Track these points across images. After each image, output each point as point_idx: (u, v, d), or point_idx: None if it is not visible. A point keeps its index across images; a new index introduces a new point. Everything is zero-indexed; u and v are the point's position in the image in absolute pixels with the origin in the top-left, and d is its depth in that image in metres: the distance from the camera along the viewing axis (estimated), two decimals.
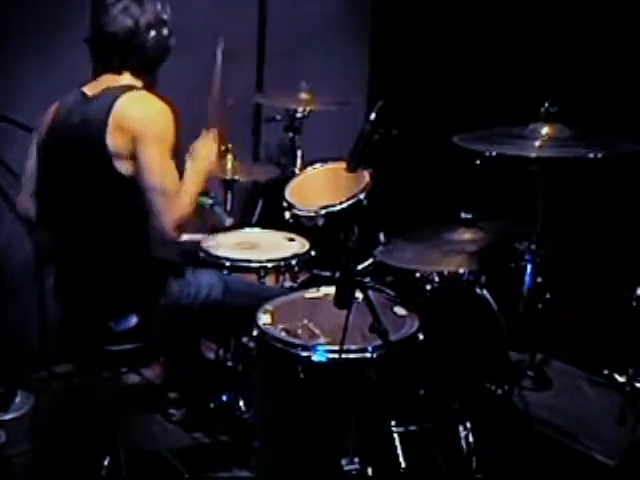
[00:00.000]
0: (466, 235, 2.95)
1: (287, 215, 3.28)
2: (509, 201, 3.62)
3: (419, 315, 2.66)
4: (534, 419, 3.13)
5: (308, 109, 3.82)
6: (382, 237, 3.16)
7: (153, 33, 2.61)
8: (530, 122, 3.01)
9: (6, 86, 3.44)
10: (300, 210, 3.24)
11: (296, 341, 2.57)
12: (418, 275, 2.97)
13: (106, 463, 2.86)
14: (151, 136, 2.52)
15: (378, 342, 2.42)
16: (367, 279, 2.84)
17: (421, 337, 2.58)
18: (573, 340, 3.48)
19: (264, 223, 3.54)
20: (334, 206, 3.16)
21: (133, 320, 2.65)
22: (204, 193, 3.02)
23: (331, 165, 3.47)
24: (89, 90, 2.65)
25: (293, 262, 3.19)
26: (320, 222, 3.19)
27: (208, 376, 3.28)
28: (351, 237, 2.51)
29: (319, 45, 4.34)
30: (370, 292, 2.42)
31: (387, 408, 2.54)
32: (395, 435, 2.51)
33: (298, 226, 3.29)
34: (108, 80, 2.64)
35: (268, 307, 2.73)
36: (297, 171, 3.74)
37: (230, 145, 3.44)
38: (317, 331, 2.64)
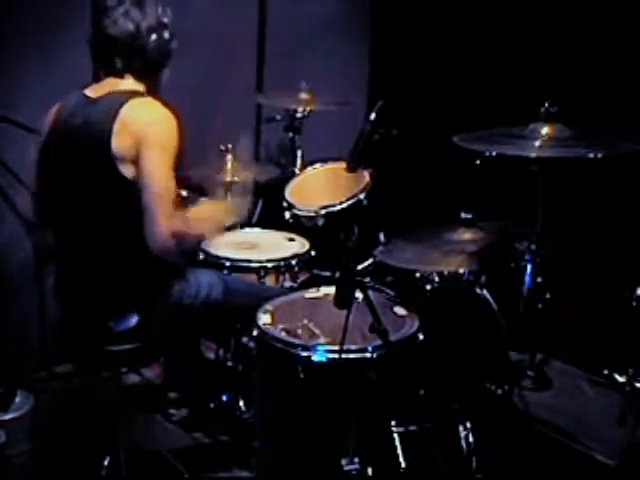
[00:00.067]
0: (466, 235, 2.95)
1: (287, 215, 3.28)
2: (509, 201, 3.62)
3: (419, 315, 2.66)
4: (534, 419, 3.13)
5: (308, 109, 3.82)
6: (382, 237, 3.17)
7: (154, 37, 2.62)
8: (530, 122, 3.01)
9: (6, 86, 3.43)
10: (300, 210, 3.25)
11: (296, 341, 2.57)
12: (418, 275, 2.97)
13: (106, 463, 2.85)
14: (155, 142, 2.53)
15: (378, 342, 2.42)
16: (367, 279, 2.85)
17: (421, 337, 2.58)
18: (573, 340, 3.49)
19: (264, 223, 3.54)
20: (334, 206, 3.16)
21: (133, 320, 2.65)
22: (204, 193, 3.03)
23: (331, 165, 3.47)
24: (91, 92, 2.65)
25: (293, 262, 3.19)
26: (320, 222, 3.19)
27: (208, 376, 3.28)
28: (351, 237, 2.51)
29: (319, 45, 4.34)
30: (370, 292, 2.42)
31: (387, 408, 2.54)
32: (395, 435, 2.51)
33: (298, 226, 3.29)
34: (111, 84, 2.65)
35: (268, 307, 2.73)
36: (297, 171, 3.74)
37: (230, 145, 3.44)
38: (317, 331, 2.64)
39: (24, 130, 3.02)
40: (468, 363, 2.86)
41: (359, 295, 2.39)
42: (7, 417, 2.89)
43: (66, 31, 3.47)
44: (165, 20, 2.65)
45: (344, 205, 3.15)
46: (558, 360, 3.59)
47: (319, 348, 2.51)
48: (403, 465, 2.49)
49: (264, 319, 2.66)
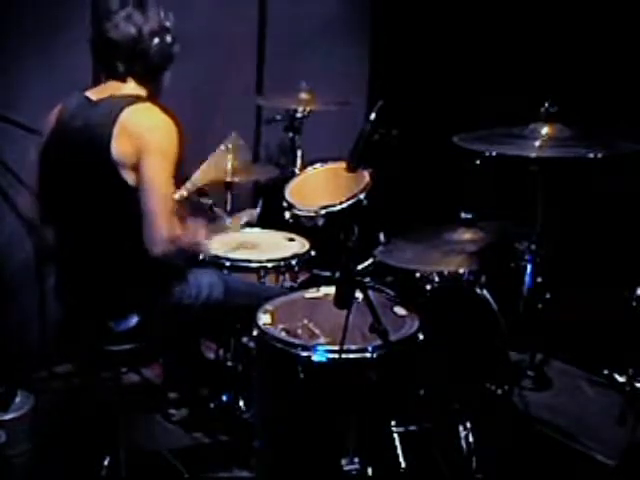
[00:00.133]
0: (466, 235, 2.95)
1: (287, 215, 3.28)
2: (509, 201, 3.62)
3: (419, 315, 2.66)
4: (534, 419, 3.13)
5: (308, 109, 3.82)
6: (382, 237, 3.17)
7: (157, 40, 2.62)
8: (530, 122, 3.01)
9: (6, 86, 3.43)
10: (300, 210, 3.25)
11: (296, 341, 2.57)
12: (418, 275, 2.97)
13: (106, 463, 2.86)
14: (155, 148, 2.53)
15: (378, 342, 2.42)
16: (367, 279, 2.85)
17: (421, 337, 2.58)
18: (573, 340, 3.49)
19: (264, 223, 3.54)
20: (334, 206, 3.16)
21: (133, 320, 2.66)
22: (203, 194, 3.03)
23: (331, 165, 3.47)
24: (93, 95, 2.65)
25: (293, 262, 3.19)
26: (320, 222, 3.19)
27: (208, 376, 3.28)
28: (351, 237, 2.51)
29: (319, 45, 4.34)
30: (370, 292, 2.42)
31: (387, 408, 2.54)
32: (395, 435, 2.51)
33: (298, 226, 3.29)
34: (112, 87, 2.65)
35: (268, 307, 2.73)
36: (297, 171, 3.74)
37: (230, 145, 3.44)
38: (317, 331, 2.64)
39: (24, 130, 3.02)
40: (468, 363, 2.86)
41: (359, 295, 2.39)
42: (7, 417, 2.88)
43: (66, 31, 3.47)
44: (167, 24, 2.66)
45: (344, 205, 3.15)
46: (558, 360, 3.59)
47: (319, 348, 2.51)
48: (403, 465, 2.49)
49: (264, 319, 2.66)
